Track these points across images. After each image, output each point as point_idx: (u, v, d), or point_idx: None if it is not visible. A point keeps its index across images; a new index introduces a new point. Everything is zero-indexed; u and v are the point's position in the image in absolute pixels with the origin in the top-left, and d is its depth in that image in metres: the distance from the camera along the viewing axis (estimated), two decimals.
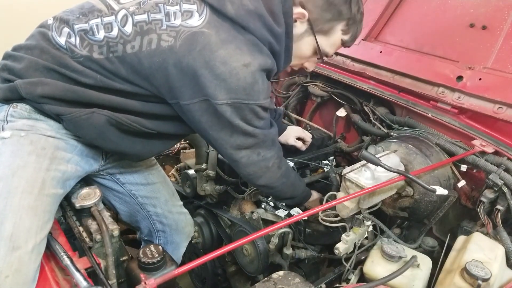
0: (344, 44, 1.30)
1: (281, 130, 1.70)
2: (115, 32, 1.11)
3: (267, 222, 1.56)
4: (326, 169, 1.75)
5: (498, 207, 1.30)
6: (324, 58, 1.32)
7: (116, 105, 1.15)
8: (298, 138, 1.75)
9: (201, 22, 1.08)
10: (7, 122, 1.13)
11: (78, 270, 1.01)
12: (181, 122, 1.21)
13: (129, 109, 1.16)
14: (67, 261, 1.03)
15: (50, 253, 1.10)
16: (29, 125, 1.14)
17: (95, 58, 1.11)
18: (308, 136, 1.77)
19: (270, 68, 1.15)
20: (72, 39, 1.13)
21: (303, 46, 1.26)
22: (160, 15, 1.10)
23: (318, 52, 1.28)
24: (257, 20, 1.11)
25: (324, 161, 1.81)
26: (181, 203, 1.62)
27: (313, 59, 1.35)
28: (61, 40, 1.14)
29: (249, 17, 1.10)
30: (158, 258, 1.08)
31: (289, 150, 1.72)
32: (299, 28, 1.22)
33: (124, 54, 1.10)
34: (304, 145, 1.77)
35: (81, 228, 1.23)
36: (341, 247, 1.25)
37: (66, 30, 1.14)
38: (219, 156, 1.75)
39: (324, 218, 1.37)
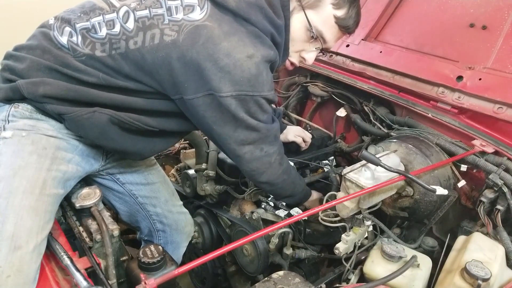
0: (339, 22, 1.23)
1: (281, 130, 1.70)
2: (117, 28, 1.12)
3: (267, 222, 1.56)
4: (326, 169, 1.75)
5: (498, 207, 1.30)
6: (323, 46, 1.29)
7: (118, 103, 1.15)
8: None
9: (203, 15, 1.09)
10: (8, 122, 1.13)
11: (78, 270, 1.01)
12: (183, 119, 1.21)
13: (131, 107, 1.17)
14: (67, 261, 1.03)
15: (50, 253, 1.10)
16: (30, 125, 1.14)
17: (98, 56, 1.12)
18: (307, 136, 1.77)
19: (273, 59, 1.15)
20: (74, 38, 1.14)
21: (294, 25, 1.23)
22: (161, 10, 1.10)
23: (311, 32, 1.24)
24: (258, 12, 1.12)
25: (324, 161, 1.81)
26: (181, 203, 1.62)
27: (311, 48, 1.31)
28: (63, 40, 1.14)
29: (250, 9, 1.11)
30: (158, 258, 1.08)
31: (289, 150, 1.72)
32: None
33: (127, 50, 1.10)
34: (304, 144, 1.77)
35: (81, 228, 1.23)
36: (341, 247, 1.25)
37: (67, 29, 1.14)
38: (219, 156, 1.75)
39: (324, 218, 1.37)
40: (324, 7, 1.21)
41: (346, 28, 1.26)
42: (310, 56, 1.33)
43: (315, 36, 1.25)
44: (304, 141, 1.77)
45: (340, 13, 1.22)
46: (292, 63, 1.36)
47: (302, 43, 1.28)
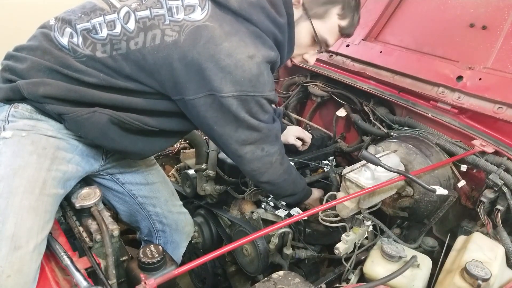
0: (343, 31, 1.28)
1: (281, 130, 1.70)
2: (118, 29, 1.12)
3: (267, 222, 1.56)
4: (326, 169, 1.75)
5: (498, 207, 1.30)
6: (324, 48, 1.32)
7: (118, 103, 1.15)
8: (298, 138, 1.75)
9: (204, 16, 1.09)
10: (8, 122, 1.13)
11: (78, 270, 1.01)
12: (183, 118, 1.21)
13: (131, 107, 1.17)
14: (67, 261, 1.03)
15: (50, 253, 1.10)
16: (30, 125, 1.14)
17: (99, 57, 1.12)
18: (307, 137, 1.77)
19: (274, 60, 1.16)
20: (75, 39, 1.14)
21: (300, 33, 1.26)
22: (162, 10, 1.10)
23: (316, 39, 1.27)
24: (260, 12, 1.12)
25: (324, 161, 1.81)
26: (181, 203, 1.62)
27: (313, 50, 1.34)
28: (64, 41, 1.14)
29: (252, 9, 1.11)
30: (158, 258, 1.08)
31: (289, 150, 1.72)
32: (295, 13, 1.22)
33: (128, 51, 1.10)
34: (303, 145, 1.77)
35: (81, 228, 1.23)
36: (341, 247, 1.25)
37: (68, 30, 1.15)
38: (219, 156, 1.76)
39: (324, 218, 1.37)
40: (330, 18, 1.24)
41: (347, 35, 1.32)
42: (311, 57, 1.37)
43: (318, 42, 1.29)
44: (304, 141, 1.77)
45: (345, 23, 1.26)
46: (293, 63, 1.39)
47: (305, 47, 1.32)
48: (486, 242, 1.19)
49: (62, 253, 1.05)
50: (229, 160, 1.70)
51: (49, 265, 1.08)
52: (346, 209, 1.26)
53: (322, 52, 1.39)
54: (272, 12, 1.14)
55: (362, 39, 1.87)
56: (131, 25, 1.11)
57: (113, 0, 1.16)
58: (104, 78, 1.12)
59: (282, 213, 1.54)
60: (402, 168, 1.33)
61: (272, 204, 1.58)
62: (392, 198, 1.42)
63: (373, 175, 1.22)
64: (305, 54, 1.35)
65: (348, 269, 1.28)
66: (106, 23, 1.13)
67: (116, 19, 1.12)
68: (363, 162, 1.25)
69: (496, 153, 1.37)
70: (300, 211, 1.52)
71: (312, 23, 1.24)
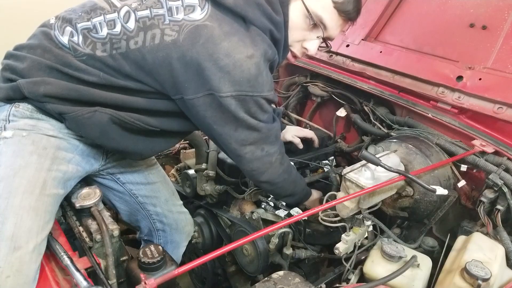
0: (339, 7, 1.18)
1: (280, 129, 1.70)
2: (118, 28, 1.12)
3: (267, 222, 1.56)
4: (326, 169, 1.75)
5: (498, 207, 1.30)
6: (325, 33, 1.23)
7: (119, 103, 1.15)
8: (301, 138, 1.75)
9: (203, 15, 1.09)
10: (9, 122, 1.13)
11: (78, 270, 1.01)
12: (184, 118, 1.21)
13: (132, 107, 1.17)
14: (67, 261, 1.03)
15: (50, 253, 1.10)
16: (31, 124, 1.14)
17: (99, 56, 1.12)
18: (309, 133, 1.77)
19: (272, 57, 1.15)
20: (75, 38, 1.14)
21: (293, 13, 1.19)
22: (162, 10, 1.11)
23: (309, 18, 1.19)
24: (256, 8, 1.12)
25: (324, 161, 1.81)
26: (181, 202, 1.62)
27: (313, 37, 1.25)
28: (64, 39, 1.14)
29: (247, 6, 1.11)
30: (158, 258, 1.08)
31: (289, 150, 1.72)
32: None
33: (128, 50, 1.11)
34: (313, 142, 1.77)
35: (81, 228, 1.23)
36: (341, 247, 1.25)
37: (68, 29, 1.15)
38: (219, 156, 1.75)
39: (324, 218, 1.37)
40: None
41: (346, 13, 1.21)
42: (312, 44, 1.26)
43: (314, 22, 1.20)
44: (306, 138, 1.76)
45: None
46: (294, 56, 1.31)
47: (302, 31, 1.24)
48: (486, 242, 1.19)
49: (62, 253, 1.05)
50: (229, 160, 1.70)
51: (49, 265, 1.08)
52: (346, 209, 1.26)
53: (325, 44, 1.29)
54: (268, 9, 1.14)
55: (362, 39, 1.87)
56: (131, 24, 1.11)
57: None
58: (104, 77, 1.12)
59: (282, 213, 1.54)
60: (402, 168, 1.33)
61: (272, 204, 1.58)
62: (392, 198, 1.41)
63: (373, 175, 1.22)
64: (304, 41, 1.26)
65: (348, 269, 1.28)
66: (106, 22, 1.13)
67: (116, 18, 1.13)
68: (363, 162, 1.25)
69: (496, 153, 1.38)
70: (300, 211, 1.52)
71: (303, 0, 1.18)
